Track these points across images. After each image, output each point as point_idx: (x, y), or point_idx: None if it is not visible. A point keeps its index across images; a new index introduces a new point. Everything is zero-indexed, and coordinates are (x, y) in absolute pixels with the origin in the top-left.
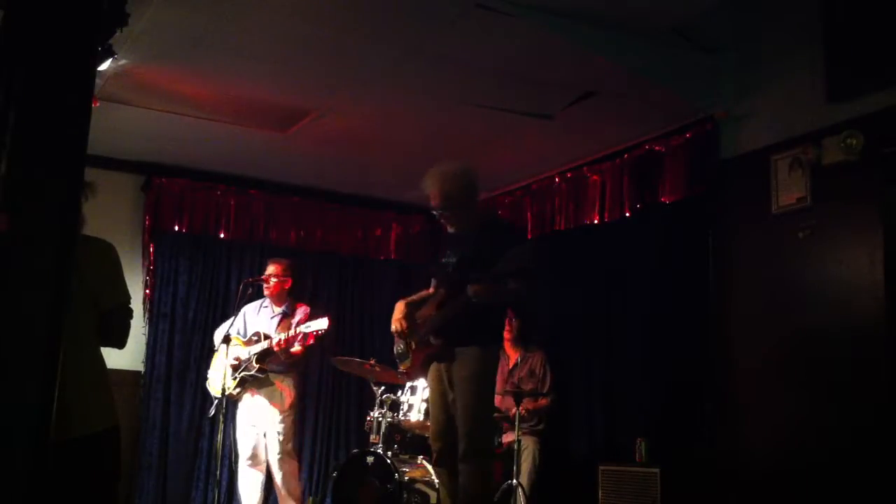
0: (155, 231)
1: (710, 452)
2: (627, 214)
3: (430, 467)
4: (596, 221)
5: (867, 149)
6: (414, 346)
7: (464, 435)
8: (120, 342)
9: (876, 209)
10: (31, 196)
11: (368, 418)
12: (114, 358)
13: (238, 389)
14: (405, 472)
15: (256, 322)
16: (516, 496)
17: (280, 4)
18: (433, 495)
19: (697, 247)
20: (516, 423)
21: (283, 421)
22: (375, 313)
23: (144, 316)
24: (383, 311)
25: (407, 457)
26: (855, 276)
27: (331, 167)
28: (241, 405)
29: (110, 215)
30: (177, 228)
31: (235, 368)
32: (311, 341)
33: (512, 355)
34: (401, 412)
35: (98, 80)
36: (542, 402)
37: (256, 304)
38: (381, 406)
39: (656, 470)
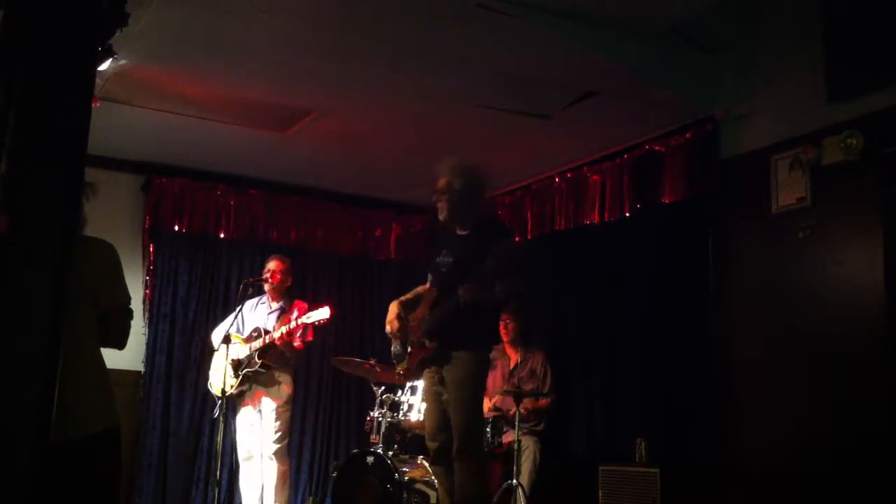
0: (155, 231)
1: (709, 452)
2: (627, 214)
3: (429, 467)
4: (596, 221)
5: (867, 149)
6: (410, 349)
7: (458, 433)
8: (120, 343)
9: (876, 209)
10: (31, 196)
11: (368, 418)
12: (114, 358)
13: (243, 387)
14: (405, 471)
15: (254, 318)
16: (516, 496)
17: (280, 5)
18: (433, 495)
19: (697, 247)
20: (516, 423)
21: (279, 417)
22: (375, 313)
23: (144, 316)
24: (383, 312)
25: (407, 457)
26: (855, 276)
27: (331, 167)
28: (241, 405)
29: (110, 215)
30: (177, 228)
31: (237, 367)
32: (311, 337)
33: (513, 356)
34: (401, 412)
35: (98, 80)
36: (543, 402)
37: (254, 301)
38: (381, 406)
39: (656, 470)
